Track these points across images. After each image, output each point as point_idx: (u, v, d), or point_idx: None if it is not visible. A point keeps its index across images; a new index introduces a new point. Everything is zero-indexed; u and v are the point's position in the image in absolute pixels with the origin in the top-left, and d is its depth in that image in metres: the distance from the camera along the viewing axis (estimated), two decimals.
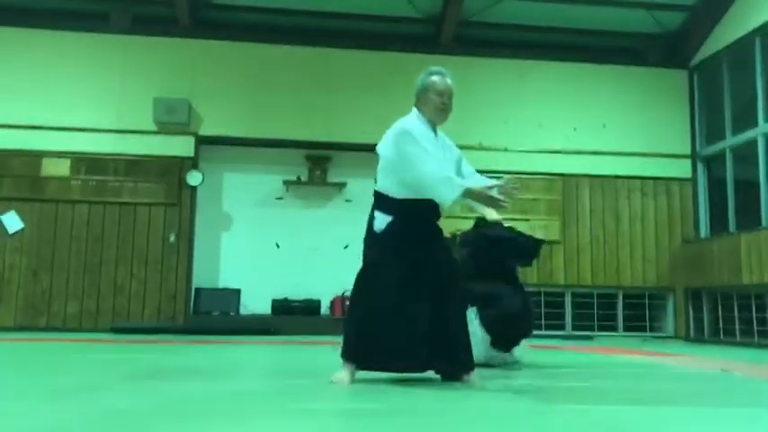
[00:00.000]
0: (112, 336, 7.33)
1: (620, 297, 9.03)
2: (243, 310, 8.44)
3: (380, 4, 8.80)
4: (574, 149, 9.14)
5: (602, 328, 8.91)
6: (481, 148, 8.99)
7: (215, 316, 8.28)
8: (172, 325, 8.05)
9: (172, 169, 8.48)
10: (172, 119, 8.48)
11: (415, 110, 3.33)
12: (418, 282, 3.08)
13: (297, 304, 8.22)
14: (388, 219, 3.14)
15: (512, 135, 9.09)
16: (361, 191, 7.85)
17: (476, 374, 3.15)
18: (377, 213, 3.19)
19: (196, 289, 8.46)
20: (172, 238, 8.35)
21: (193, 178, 8.44)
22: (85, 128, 8.41)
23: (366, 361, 3.09)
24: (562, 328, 8.87)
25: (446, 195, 3.04)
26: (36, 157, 8.31)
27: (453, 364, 3.12)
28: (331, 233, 8.36)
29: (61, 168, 8.35)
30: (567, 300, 8.95)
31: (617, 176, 9.15)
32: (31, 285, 8.09)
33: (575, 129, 9.20)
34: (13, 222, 8.17)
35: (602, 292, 9.01)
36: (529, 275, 8.82)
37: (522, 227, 8.84)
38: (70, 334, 7.41)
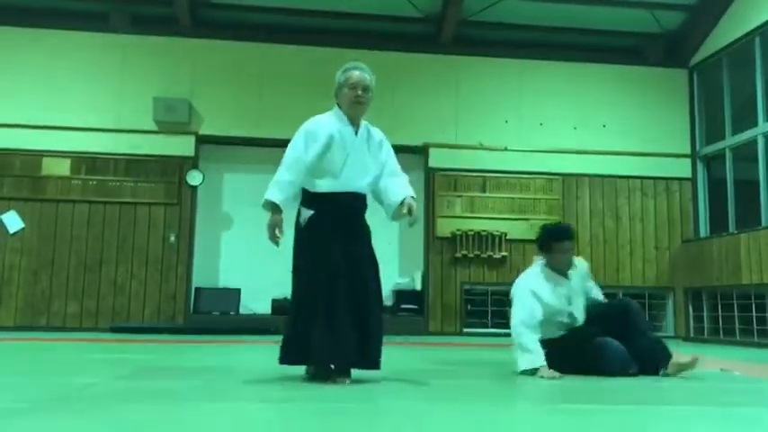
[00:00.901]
0: (111, 335, 7.33)
1: (620, 297, 9.01)
2: (243, 310, 8.44)
3: (380, 3, 8.80)
4: (574, 149, 9.14)
5: None
6: (482, 147, 9.00)
7: (215, 316, 8.28)
8: (171, 325, 8.05)
9: (172, 169, 8.48)
10: (172, 118, 8.48)
11: (335, 106, 3.36)
12: (339, 277, 3.10)
13: None
14: (310, 213, 3.20)
15: (512, 134, 9.09)
16: None
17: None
18: (301, 208, 3.26)
19: (196, 288, 8.45)
20: (172, 238, 8.35)
21: (194, 178, 8.44)
22: (85, 127, 8.41)
23: (297, 358, 3.11)
24: None
25: (267, 193, 3.17)
26: (36, 156, 8.31)
27: (368, 361, 3.13)
28: None
29: (61, 168, 8.35)
30: None
31: (617, 176, 9.15)
32: (32, 285, 8.09)
33: (575, 128, 9.20)
34: (13, 222, 8.16)
35: (602, 292, 8.97)
36: None
37: (521, 227, 8.93)
38: (70, 333, 7.41)
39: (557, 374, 3.56)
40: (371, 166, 3.32)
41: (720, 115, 8.85)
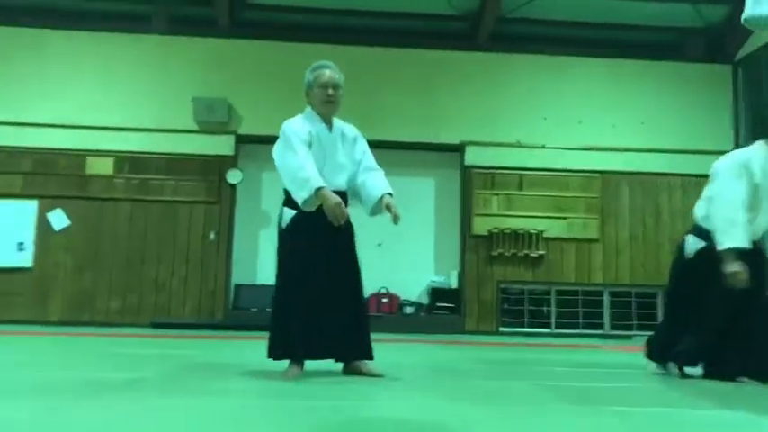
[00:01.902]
0: (152, 331, 7.48)
1: (660, 296, 8.87)
2: None
3: (418, 1, 8.81)
4: (613, 146, 9.02)
5: (641, 328, 8.77)
6: (519, 145, 8.94)
7: (253, 312, 8.38)
8: (211, 320, 8.19)
9: (212, 168, 8.62)
10: (212, 118, 8.62)
11: (307, 107, 3.37)
12: (324, 272, 3.17)
13: None
14: (292, 213, 3.22)
15: (550, 132, 9.01)
16: (394, 188, 7.86)
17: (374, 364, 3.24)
18: (284, 209, 3.28)
19: (235, 285, 8.59)
20: (212, 236, 8.50)
21: (233, 177, 8.58)
22: (128, 127, 8.60)
23: (289, 352, 3.14)
24: (600, 327, 8.76)
25: (299, 194, 3.10)
26: (81, 156, 8.53)
27: (359, 351, 3.21)
28: (364, 231, 8.37)
29: (105, 167, 8.55)
30: (606, 299, 8.84)
31: (657, 173, 9.00)
32: (76, 281, 8.31)
33: (613, 125, 9.08)
34: (59, 220, 8.40)
35: (642, 291, 8.87)
36: (566, 274, 8.76)
37: (559, 225, 8.85)
38: (112, 329, 7.59)
39: (744, 275, 3.23)
40: (347, 164, 3.36)
41: (766, 111, 8.63)
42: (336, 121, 3.39)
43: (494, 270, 8.71)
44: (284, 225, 3.26)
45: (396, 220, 3.26)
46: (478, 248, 8.73)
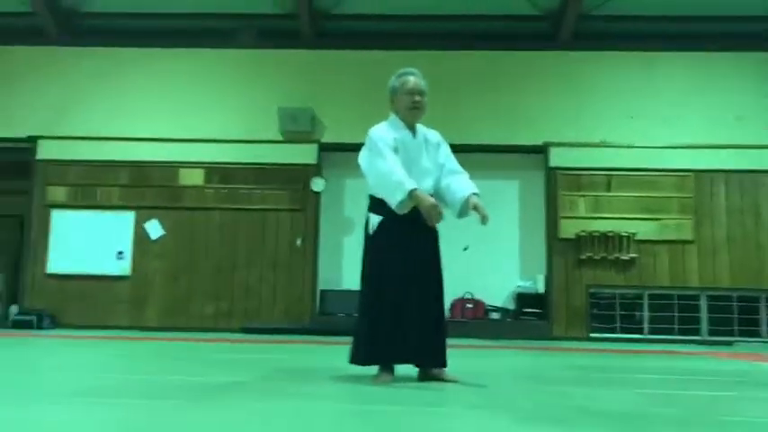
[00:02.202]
0: (244, 336, 7.71)
1: (763, 300, 8.41)
2: None
3: (499, 3, 8.73)
4: (707, 143, 8.63)
5: (743, 334, 8.33)
6: (604, 145, 8.69)
7: (339, 317, 8.49)
8: (299, 325, 8.36)
9: (297, 176, 8.82)
10: (296, 128, 8.81)
11: (391, 114, 3.38)
12: (408, 278, 3.19)
13: None
14: (379, 218, 3.24)
15: (637, 130, 8.71)
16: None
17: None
18: (370, 215, 3.30)
19: (321, 291, 8.73)
20: (298, 242, 8.68)
21: (317, 184, 8.74)
22: (217, 139, 8.91)
23: (374, 357, 3.18)
24: (697, 333, 8.37)
25: (393, 197, 3.10)
26: (174, 168, 8.90)
27: (436, 359, 3.23)
28: (450, 235, 8.29)
29: (196, 178, 8.90)
30: (703, 303, 8.44)
31: (757, 171, 8.54)
32: (172, 288, 8.68)
33: (707, 121, 8.68)
34: (155, 230, 8.80)
35: (743, 294, 8.42)
36: (660, 277, 8.43)
37: (651, 226, 8.52)
38: (206, 333, 7.87)
39: None
40: (432, 168, 3.38)
41: None
42: (420, 127, 3.41)
43: (582, 274, 8.48)
44: (371, 230, 3.29)
45: (484, 220, 3.23)
46: (566, 252, 8.52)
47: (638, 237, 8.46)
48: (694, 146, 8.63)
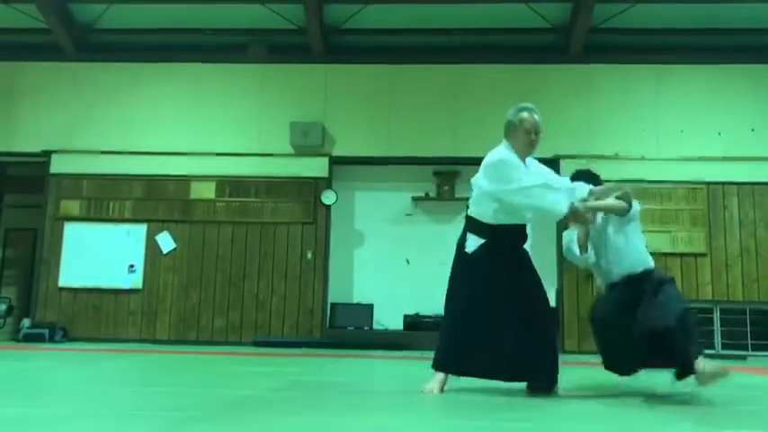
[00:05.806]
0: (255, 349, 7.70)
1: None
2: (375, 326, 8.59)
3: (508, 16, 8.74)
4: (719, 156, 8.58)
5: (757, 348, 8.24)
6: (617, 157, 8.66)
7: (350, 330, 8.48)
8: (310, 339, 8.35)
9: (308, 189, 8.84)
10: (307, 141, 8.84)
11: (504, 141, 3.51)
12: (506, 298, 3.31)
13: (428, 320, 8.22)
14: (481, 241, 3.39)
15: (650, 143, 8.68)
16: None
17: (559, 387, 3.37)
18: (469, 235, 3.44)
19: (331, 304, 8.72)
20: (309, 255, 8.69)
21: (328, 197, 8.75)
22: (228, 152, 8.95)
23: (456, 367, 3.31)
24: (711, 347, 8.28)
25: (560, 204, 3.31)
26: (185, 181, 8.95)
27: (540, 378, 3.31)
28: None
29: (207, 191, 8.94)
30: (716, 316, 8.37)
31: None
32: (183, 301, 8.69)
33: (719, 133, 8.65)
34: (166, 243, 8.83)
35: (757, 308, 8.34)
36: None
37: (662, 239, 8.47)
38: (217, 347, 7.86)
39: None
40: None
41: None
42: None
43: (594, 286, 8.43)
44: (469, 250, 3.42)
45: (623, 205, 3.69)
46: (577, 265, 8.45)
47: (651, 249, 8.32)
48: (706, 158, 8.59)
